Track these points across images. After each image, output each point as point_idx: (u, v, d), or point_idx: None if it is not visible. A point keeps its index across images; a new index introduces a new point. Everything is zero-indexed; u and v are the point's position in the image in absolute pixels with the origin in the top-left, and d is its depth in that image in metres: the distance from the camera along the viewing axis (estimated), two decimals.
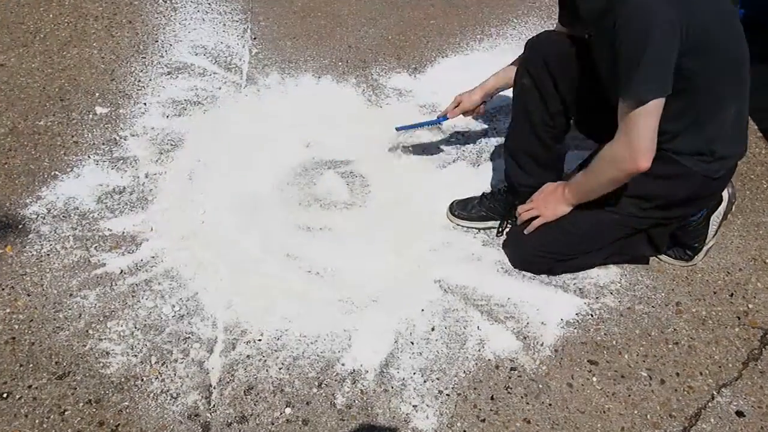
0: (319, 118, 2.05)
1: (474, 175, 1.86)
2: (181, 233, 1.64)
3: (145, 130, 1.96)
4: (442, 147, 1.96)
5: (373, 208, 1.75)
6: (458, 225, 1.66)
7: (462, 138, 2.00)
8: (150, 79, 2.16)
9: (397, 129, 1.81)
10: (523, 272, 1.56)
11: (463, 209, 1.66)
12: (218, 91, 2.13)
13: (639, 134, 1.23)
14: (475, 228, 1.66)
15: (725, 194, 1.50)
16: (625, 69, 1.19)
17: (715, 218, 1.52)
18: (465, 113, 1.74)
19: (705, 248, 1.56)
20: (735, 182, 1.62)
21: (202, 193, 1.76)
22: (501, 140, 1.97)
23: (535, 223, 1.50)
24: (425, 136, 2.00)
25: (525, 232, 1.52)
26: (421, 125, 1.86)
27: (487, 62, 2.29)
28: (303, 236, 1.66)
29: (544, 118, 1.49)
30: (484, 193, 1.69)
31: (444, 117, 1.78)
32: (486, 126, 2.04)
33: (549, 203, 1.48)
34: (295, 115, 2.06)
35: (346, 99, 2.14)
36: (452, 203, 1.68)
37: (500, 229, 1.65)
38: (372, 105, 2.11)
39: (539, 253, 1.51)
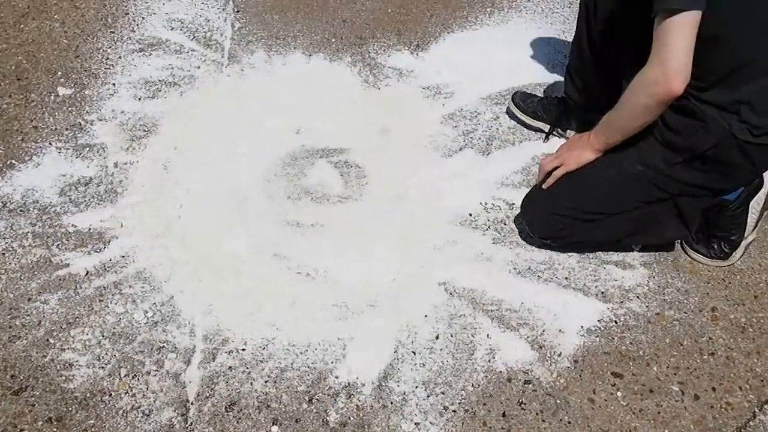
0: (310, 102, 2.04)
1: (483, 164, 1.85)
2: (155, 230, 1.63)
3: (114, 114, 1.94)
4: (446, 134, 1.94)
5: (370, 202, 1.74)
6: (513, 114, 1.95)
7: (470, 123, 1.98)
8: (119, 57, 2.14)
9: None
10: (538, 274, 1.56)
11: (522, 100, 1.93)
12: (197, 71, 2.11)
13: (672, 50, 1.25)
14: (525, 123, 1.92)
15: (766, 176, 1.50)
16: None
17: (755, 205, 1.52)
18: None
19: (744, 243, 1.56)
20: None
21: (179, 185, 1.75)
22: (513, 126, 1.96)
23: (556, 173, 1.52)
24: (425, 120, 1.98)
25: (544, 186, 1.55)
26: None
27: (498, 38, 2.29)
28: (292, 233, 1.65)
29: (594, 45, 1.68)
30: (548, 95, 1.96)
31: None
32: (497, 110, 2.02)
33: (573, 150, 1.52)
34: (283, 98, 2.05)
35: (341, 80, 2.13)
36: (517, 92, 1.96)
37: (547, 135, 1.90)
38: (369, 86, 2.10)
39: (557, 209, 1.51)
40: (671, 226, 1.51)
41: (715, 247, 1.56)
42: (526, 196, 1.63)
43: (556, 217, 1.52)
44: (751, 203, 1.51)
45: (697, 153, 1.38)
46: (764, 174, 1.50)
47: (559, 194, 1.53)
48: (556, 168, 1.54)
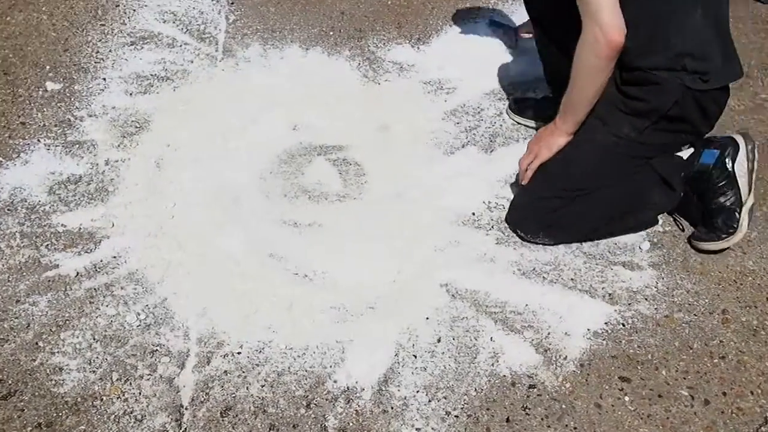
0: (308, 97, 2.04)
1: (486, 162, 1.86)
2: (148, 230, 1.64)
3: (105, 110, 1.95)
4: (448, 130, 1.95)
5: (369, 200, 1.75)
6: (513, 120, 1.97)
7: (473, 119, 1.99)
8: (110, 51, 2.14)
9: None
10: (543, 275, 1.56)
11: (519, 106, 1.97)
12: (190, 65, 2.12)
13: (597, 4, 1.37)
14: (528, 126, 1.95)
15: (739, 140, 1.60)
16: None
17: (740, 168, 1.58)
18: None
19: (745, 209, 1.59)
20: None
21: (172, 183, 1.76)
22: (517, 122, 1.96)
23: (532, 166, 1.62)
24: (427, 117, 1.99)
25: (523, 182, 1.65)
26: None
27: (502, 31, 2.29)
28: (289, 233, 1.65)
29: (550, 36, 1.77)
30: (545, 95, 1.99)
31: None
32: (501, 106, 2.03)
33: (542, 140, 1.61)
34: (280, 93, 2.05)
35: (339, 74, 2.13)
36: (511, 98, 2.02)
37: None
38: (369, 81, 2.10)
39: (542, 192, 1.60)
40: (658, 192, 1.61)
41: (719, 224, 1.58)
42: (509, 205, 1.69)
43: (542, 202, 1.58)
44: (735, 168, 1.58)
45: (662, 113, 1.50)
46: (737, 137, 1.61)
47: (540, 181, 1.61)
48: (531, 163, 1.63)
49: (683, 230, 1.67)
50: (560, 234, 1.62)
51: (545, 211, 1.58)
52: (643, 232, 1.67)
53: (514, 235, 1.66)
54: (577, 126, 1.56)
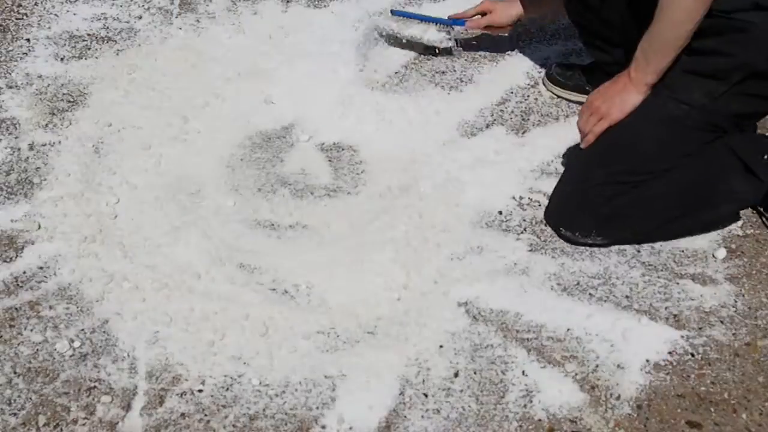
0: (288, 63, 2.05)
1: (517, 146, 1.86)
2: (84, 233, 1.64)
3: (29, 80, 1.96)
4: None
5: (368, 196, 1.75)
6: (551, 92, 2.00)
7: (500, 90, 1.98)
8: (36, 4, 2.15)
9: (393, 13, 2.13)
10: (590, 291, 1.57)
11: (561, 74, 1.98)
12: (137, 22, 2.12)
13: None
14: (570, 101, 1.96)
15: None
16: None
17: None
18: (489, 28, 2.01)
19: None
20: None
21: (115, 174, 1.76)
22: (556, 95, 1.96)
23: (597, 129, 1.60)
24: (440, 89, 1.98)
25: (583, 145, 1.64)
26: (424, 18, 2.09)
27: None
28: (265, 238, 1.66)
29: None
30: (592, 61, 1.98)
31: (459, 22, 2.03)
32: (535, 74, 2.03)
33: (612, 98, 1.59)
34: (253, 58, 2.06)
35: (328, 33, 2.13)
36: (552, 64, 2.02)
37: None
38: (366, 42, 2.11)
39: (592, 178, 1.59)
40: (738, 180, 1.60)
41: None
42: (550, 198, 1.68)
43: (594, 190, 1.57)
44: None
45: (751, 70, 1.49)
46: None
47: (591, 161, 1.61)
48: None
49: None
50: (617, 230, 1.62)
51: (598, 201, 1.58)
52: (717, 237, 1.67)
53: (553, 239, 1.66)
54: (658, 76, 1.54)
